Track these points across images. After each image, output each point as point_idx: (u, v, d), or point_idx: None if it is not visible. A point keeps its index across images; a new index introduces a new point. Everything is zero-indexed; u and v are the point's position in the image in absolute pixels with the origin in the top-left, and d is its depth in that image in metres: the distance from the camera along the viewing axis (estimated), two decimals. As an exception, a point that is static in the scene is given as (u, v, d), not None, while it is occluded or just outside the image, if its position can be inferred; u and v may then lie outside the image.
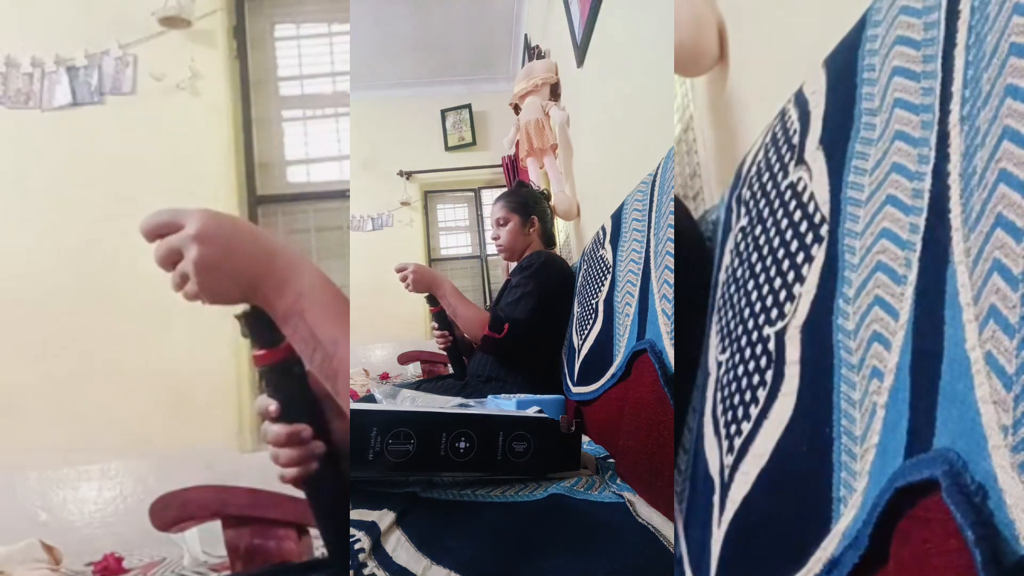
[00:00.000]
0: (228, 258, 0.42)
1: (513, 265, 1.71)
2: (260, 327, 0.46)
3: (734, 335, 0.46)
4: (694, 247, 0.62)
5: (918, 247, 0.29)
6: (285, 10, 2.16)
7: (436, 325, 1.65)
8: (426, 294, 1.57)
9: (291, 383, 0.47)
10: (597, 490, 0.72)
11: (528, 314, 1.45)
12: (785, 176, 0.44)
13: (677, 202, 0.69)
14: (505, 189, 1.76)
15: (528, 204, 1.70)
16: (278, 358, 0.46)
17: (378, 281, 2.65)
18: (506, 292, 1.59)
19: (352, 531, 0.58)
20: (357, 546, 0.55)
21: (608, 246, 1.13)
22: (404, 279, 1.53)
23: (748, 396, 0.42)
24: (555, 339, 1.49)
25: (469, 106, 4.02)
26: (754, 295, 0.44)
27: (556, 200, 1.99)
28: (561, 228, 2.39)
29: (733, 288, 0.49)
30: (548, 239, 1.76)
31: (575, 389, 1.18)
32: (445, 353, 1.72)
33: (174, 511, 0.71)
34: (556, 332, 1.49)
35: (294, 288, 0.44)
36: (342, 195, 2.15)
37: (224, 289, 0.43)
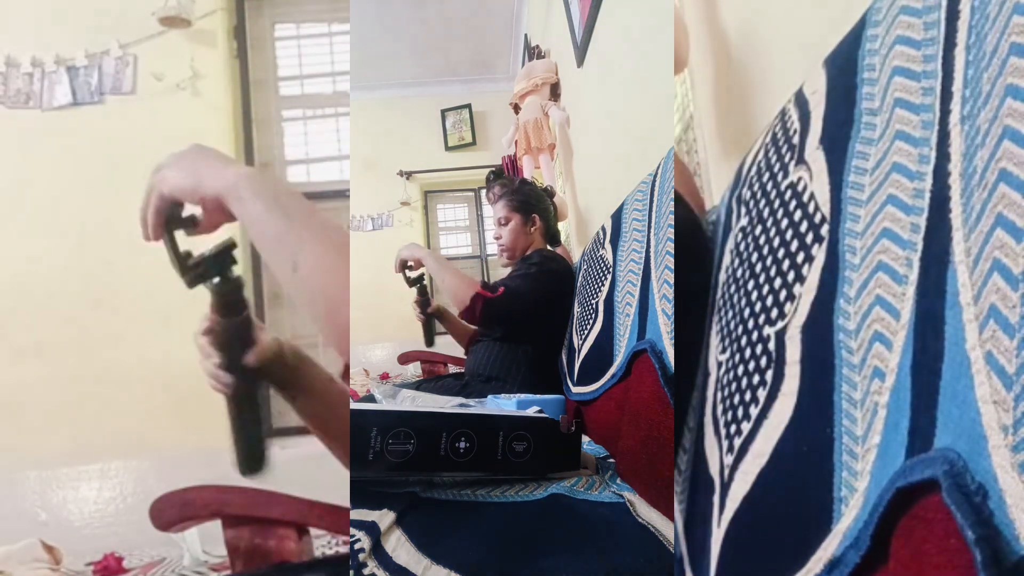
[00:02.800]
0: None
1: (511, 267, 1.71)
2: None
3: (734, 335, 0.46)
4: (694, 247, 0.62)
5: (919, 247, 0.29)
6: (285, 10, 2.16)
7: (418, 299, 1.68)
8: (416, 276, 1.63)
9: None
10: (597, 490, 0.72)
11: (524, 289, 1.45)
12: (785, 176, 0.44)
13: (677, 202, 0.69)
14: (505, 183, 1.76)
15: (530, 202, 1.66)
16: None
17: (378, 281, 2.64)
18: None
19: (352, 531, 0.58)
20: (357, 546, 0.55)
21: (608, 246, 1.12)
22: (405, 266, 1.59)
23: (748, 396, 0.42)
24: (555, 339, 1.49)
25: (469, 106, 4.02)
26: (754, 295, 0.44)
27: None
28: (561, 228, 2.39)
29: (733, 288, 0.49)
30: (552, 237, 1.74)
31: (575, 389, 1.18)
32: (422, 326, 1.75)
33: (174, 511, 0.71)
34: (556, 332, 1.48)
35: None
36: (342, 195, 2.15)
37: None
